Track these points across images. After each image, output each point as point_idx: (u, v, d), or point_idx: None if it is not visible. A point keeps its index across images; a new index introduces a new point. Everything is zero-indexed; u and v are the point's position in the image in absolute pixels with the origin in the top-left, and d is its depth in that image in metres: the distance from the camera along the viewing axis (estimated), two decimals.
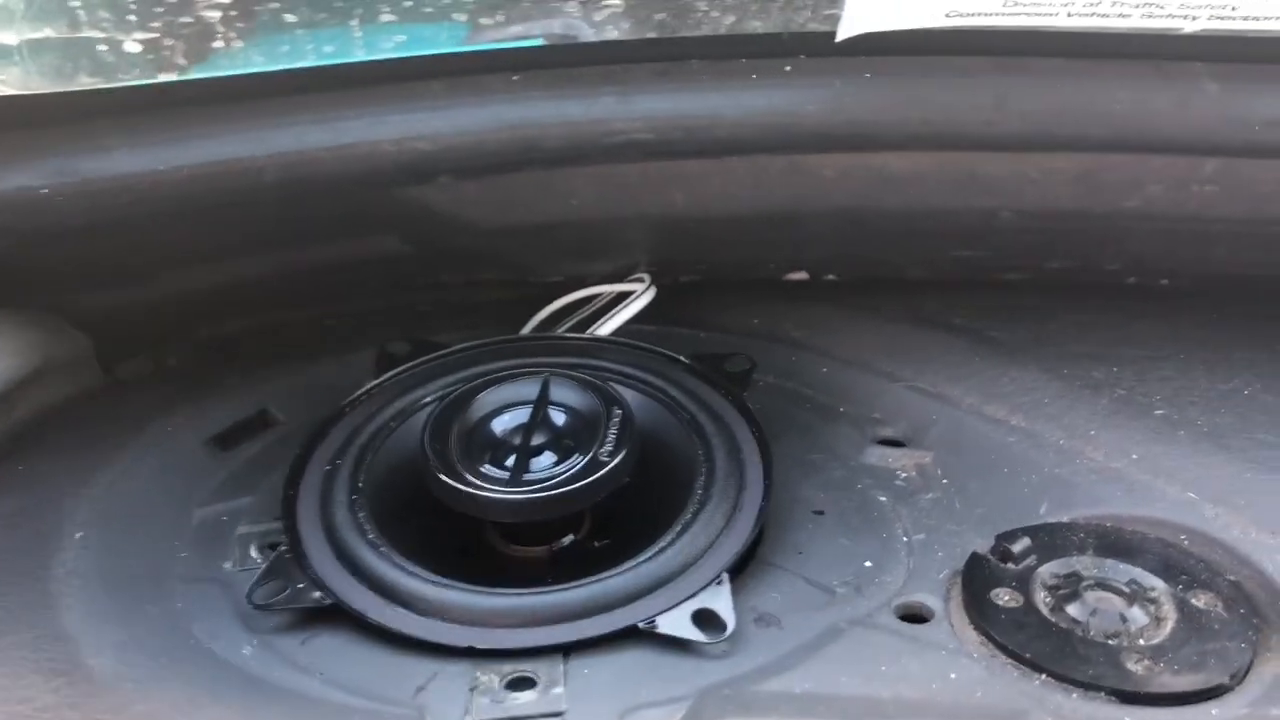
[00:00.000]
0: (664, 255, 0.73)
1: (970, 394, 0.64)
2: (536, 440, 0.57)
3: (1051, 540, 0.53)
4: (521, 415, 0.58)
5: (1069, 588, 0.51)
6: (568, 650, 0.48)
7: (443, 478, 0.54)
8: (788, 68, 0.58)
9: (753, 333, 0.73)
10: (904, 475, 0.61)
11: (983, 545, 0.53)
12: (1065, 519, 0.55)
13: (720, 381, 0.63)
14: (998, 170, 0.64)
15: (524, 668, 0.48)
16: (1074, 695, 0.45)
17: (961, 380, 0.66)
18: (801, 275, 0.81)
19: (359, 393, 0.64)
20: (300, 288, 0.73)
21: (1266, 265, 0.69)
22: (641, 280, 0.72)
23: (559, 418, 0.59)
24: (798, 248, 0.73)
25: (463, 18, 0.54)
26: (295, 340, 0.74)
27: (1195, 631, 0.48)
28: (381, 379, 0.64)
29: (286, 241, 0.69)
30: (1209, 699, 0.45)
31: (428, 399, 0.62)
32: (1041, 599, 0.50)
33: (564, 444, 0.58)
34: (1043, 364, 0.65)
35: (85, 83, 0.53)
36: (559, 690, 0.46)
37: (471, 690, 0.46)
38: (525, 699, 0.46)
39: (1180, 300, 0.72)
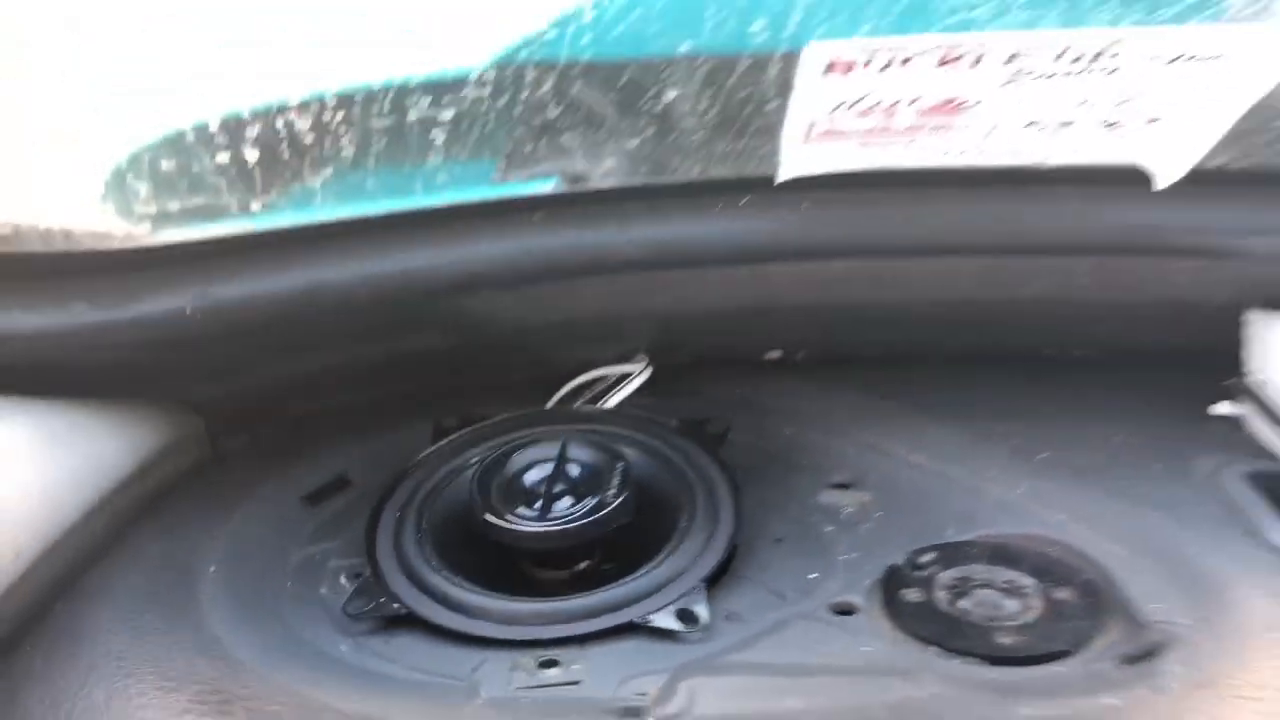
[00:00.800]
0: (659, 342, 0.90)
1: (902, 446, 0.81)
2: (558, 489, 0.74)
3: (953, 553, 0.70)
4: (546, 469, 0.76)
5: (962, 587, 0.67)
6: (583, 640, 0.65)
7: (488, 518, 0.71)
8: (743, 202, 0.76)
9: (733, 401, 0.90)
10: (848, 510, 0.77)
11: (900, 559, 0.70)
12: (966, 538, 0.72)
13: (702, 440, 0.81)
14: (914, 270, 0.81)
15: (551, 653, 0.64)
16: (955, 660, 0.61)
17: (896, 436, 0.82)
18: (777, 354, 0.98)
19: (419, 457, 0.81)
20: (370, 376, 0.91)
21: (1136, 337, 0.86)
22: (640, 361, 0.90)
23: (574, 470, 0.76)
24: (765, 334, 0.91)
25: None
26: (366, 418, 0.91)
27: (1055, 616, 0.64)
28: (436, 446, 0.82)
29: (361, 340, 0.87)
30: (1054, 660, 0.61)
31: (474, 459, 0.80)
32: (940, 595, 0.66)
33: (579, 490, 0.74)
34: (958, 422, 0.82)
35: (221, 230, 0.72)
36: (577, 667, 0.63)
37: (511, 669, 0.63)
38: (552, 673, 0.62)
39: (1072, 368, 0.88)
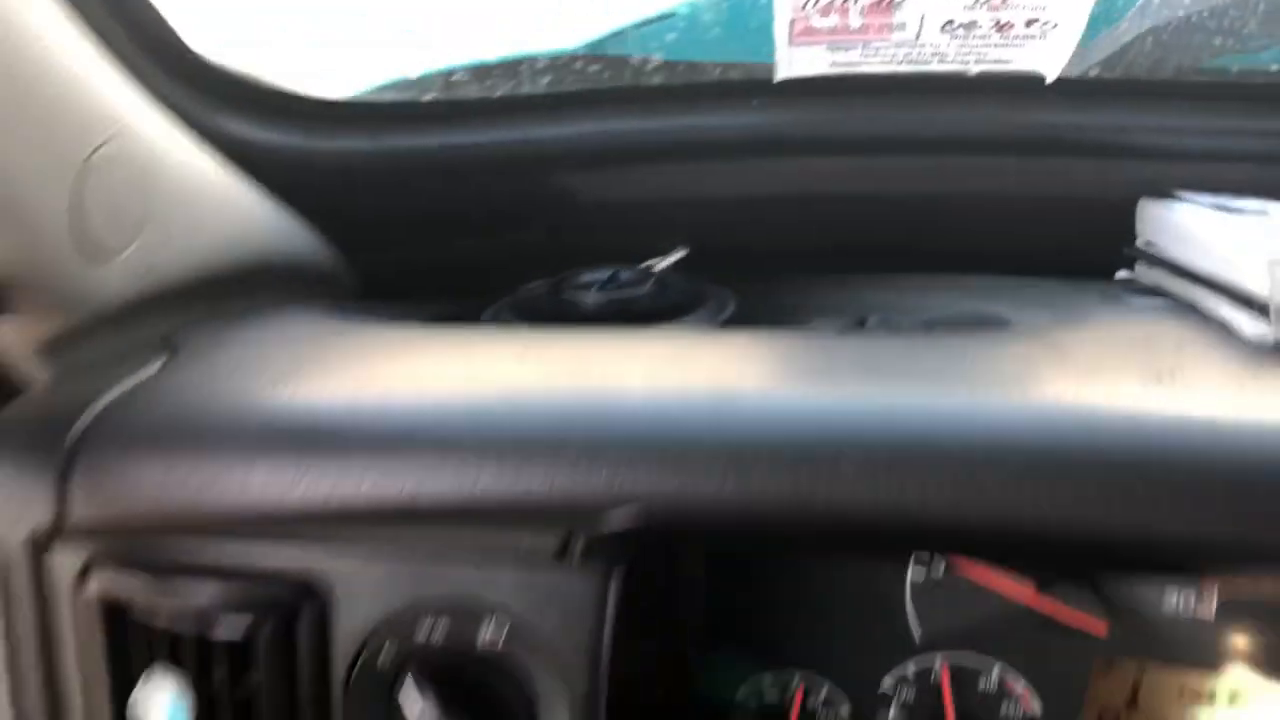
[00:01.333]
0: (698, 236, 1.20)
1: (876, 293, 1.08)
2: (609, 286, 1.03)
3: (894, 320, 0.96)
4: (604, 279, 1.05)
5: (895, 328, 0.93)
6: None
7: (561, 297, 1.01)
8: (755, 102, 1.07)
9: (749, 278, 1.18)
10: (827, 330, 1.03)
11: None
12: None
13: (716, 279, 1.09)
14: (884, 167, 1.10)
15: None
16: None
17: (872, 289, 1.09)
18: None
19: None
20: (477, 259, 1.22)
21: (1055, 229, 1.12)
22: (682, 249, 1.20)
23: (621, 280, 1.05)
24: (781, 227, 1.19)
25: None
26: (472, 288, 1.22)
27: None
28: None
29: (476, 229, 1.19)
30: None
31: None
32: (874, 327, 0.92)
33: (625, 289, 1.03)
34: (921, 281, 1.08)
35: (389, 96, 1.06)
36: None
37: None
38: None
39: (1008, 256, 1.14)
